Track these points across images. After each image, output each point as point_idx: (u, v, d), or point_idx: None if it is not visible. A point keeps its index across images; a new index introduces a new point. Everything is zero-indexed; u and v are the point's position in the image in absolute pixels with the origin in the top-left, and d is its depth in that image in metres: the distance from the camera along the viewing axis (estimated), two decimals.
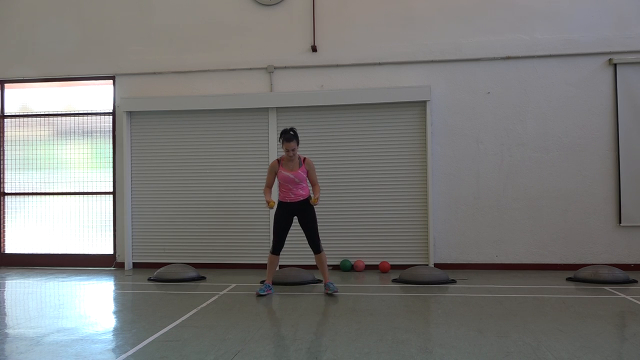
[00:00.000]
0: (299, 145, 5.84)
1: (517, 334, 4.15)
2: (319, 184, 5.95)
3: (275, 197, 6.16)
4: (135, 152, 7.94)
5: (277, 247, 5.79)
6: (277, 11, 7.82)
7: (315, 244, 5.78)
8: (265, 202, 5.84)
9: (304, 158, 5.82)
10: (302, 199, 5.73)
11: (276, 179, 5.84)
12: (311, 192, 5.86)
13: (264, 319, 4.81)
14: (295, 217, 5.85)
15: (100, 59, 8.07)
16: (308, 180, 5.84)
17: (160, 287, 6.40)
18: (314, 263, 6.99)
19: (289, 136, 5.66)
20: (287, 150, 5.64)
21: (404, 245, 7.40)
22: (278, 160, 5.81)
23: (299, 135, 5.80)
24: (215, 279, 6.85)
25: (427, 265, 7.22)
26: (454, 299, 5.57)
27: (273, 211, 7.38)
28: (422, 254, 7.36)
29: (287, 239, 5.87)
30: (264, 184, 5.95)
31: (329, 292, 5.67)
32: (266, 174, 5.99)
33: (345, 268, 7.31)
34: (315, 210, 5.88)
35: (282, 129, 7.50)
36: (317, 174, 5.98)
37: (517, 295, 5.66)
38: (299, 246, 7.14)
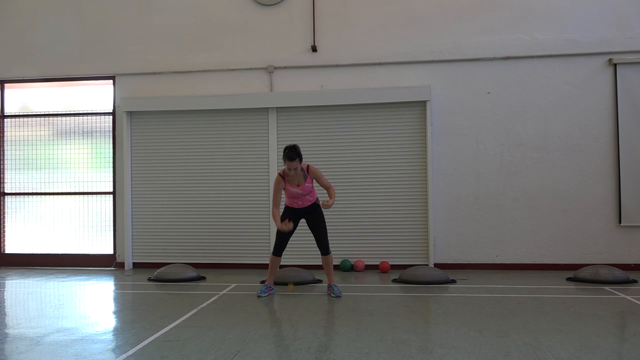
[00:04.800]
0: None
1: (517, 334, 4.15)
2: (333, 186, 5.71)
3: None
4: (135, 152, 7.95)
5: (279, 248, 5.75)
6: (277, 11, 7.82)
7: (323, 246, 5.71)
8: (276, 225, 5.57)
9: (307, 167, 5.60)
10: (309, 204, 5.70)
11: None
12: (318, 200, 5.74)
13: (264, 319, 4.80)
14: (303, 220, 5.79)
15: (100, 59, 8.07)
16: (317, 184, 5.70)
17: (160, 287, 6.40)
18: (314, 263, 7.04)
19: (291, 155, 5.41)
20: (289, 169, 5.47)
21: (404, 245, 7.41)
22: (282, 176, 5.60)
23: (300, 149, 5.53)
24: (215, 279, 6.85)
25: (427, 265, 7.22)
26: (454, 299, 5.57)
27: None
28: (422, 254, 7.36)
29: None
30: (271, 203, 5.77)
31: (332, 295, 5.63)
32: (270, 187, 5.73)
33: (345, 268, 7.31)
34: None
35: (282, 129, 7.63)
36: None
37: (517, 295, 5.66)
38: (299, 246, 7.15)
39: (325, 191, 5.67)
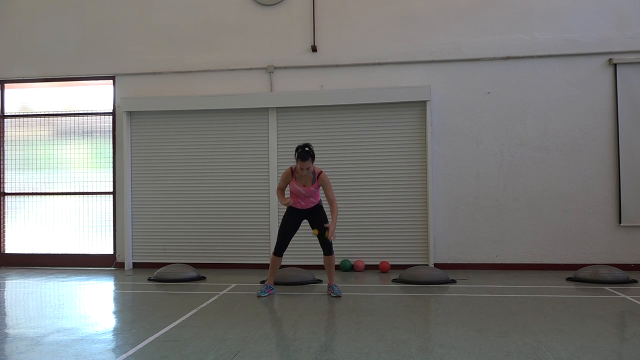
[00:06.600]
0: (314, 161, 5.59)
1: (517, 334, 4.15)
2: (337, 202, 5.64)
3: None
4: (135, 152, 7.94)
5: (280, 248, 5.75)
6: (277, 11, 7.82)
7: (326, 246, 5.72)
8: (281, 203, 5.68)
9: (320, 173, 5.59)
10: (312, 206, 5.70)
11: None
12: (321, 202, 5.74)
13: (264, 319, 4.80)
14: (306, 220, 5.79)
15: (100, 59, 8.07)
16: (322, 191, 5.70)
17: (160, 287, 6.40)
18: (314, 263, 7.04)
19: (304, 154, 5.43)
20: (301, 169, 5.48)
21: (404, 245, 7.40)
22: (292, 170, 5.63)
23: (313, 149, 5.54)
24: (215, 279, 6.85)
25: (427, 265, 7.22)
26: (454, 299, 5.57)
27: (275, 211, 7.43)
28: (422, 254, 7.36)
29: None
30: (276, 187, 5.89)
31: (332, 294, 5.64)
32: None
33: (345, 268, 7.31)
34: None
35: (282, 129, 7.63)
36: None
37: (517, 295, 5.66)
38: (299, 246, 7.14)
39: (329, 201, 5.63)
